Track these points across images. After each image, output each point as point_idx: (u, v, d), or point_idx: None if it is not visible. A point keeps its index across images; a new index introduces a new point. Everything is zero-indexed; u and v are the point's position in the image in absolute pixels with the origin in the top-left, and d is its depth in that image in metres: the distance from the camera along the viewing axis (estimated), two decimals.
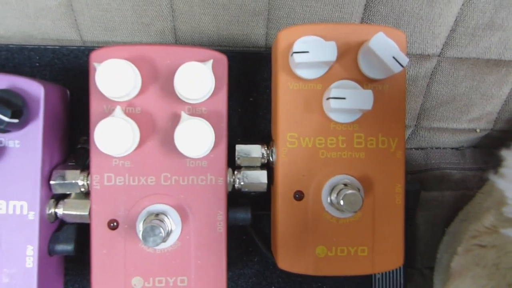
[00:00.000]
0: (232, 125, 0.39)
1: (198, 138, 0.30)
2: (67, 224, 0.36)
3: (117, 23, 0.39)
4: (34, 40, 0.40)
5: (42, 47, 0.38)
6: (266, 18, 0.40)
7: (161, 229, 0.30)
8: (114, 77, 0.30)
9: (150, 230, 0.30)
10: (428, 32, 0.43)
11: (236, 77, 0.40)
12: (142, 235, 0.30)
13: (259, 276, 0.40)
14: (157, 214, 0.32)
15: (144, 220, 0.32)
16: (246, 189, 0.35)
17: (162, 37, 0.41)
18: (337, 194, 0.33)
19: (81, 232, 0.36)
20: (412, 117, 0.50)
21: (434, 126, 0.51)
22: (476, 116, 0.50)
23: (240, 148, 0.35)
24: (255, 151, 0.35)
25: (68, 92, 0.38)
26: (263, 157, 0.36)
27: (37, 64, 0.38)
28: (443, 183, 0.51)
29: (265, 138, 0.37)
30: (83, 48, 0.38)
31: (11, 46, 0.38)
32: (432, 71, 0.47)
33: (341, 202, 0.32)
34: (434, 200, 0.49)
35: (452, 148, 0.54)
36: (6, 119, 0.30)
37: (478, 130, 0.52)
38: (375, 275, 0.41)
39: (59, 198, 0.35)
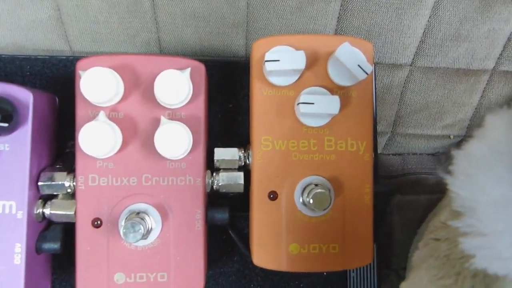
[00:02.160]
0: (212, 131, 0.41)
1: (176, 140, 0.33)
2: (54, 223, 0.37)
3: (104, 34, 0.42)
4: (26, 50, 0.43)
5: (33, 57, 0.41)
6: (245, 30, 0.43)
7: (141, 226, 0.32)
8: (97, 84, 0.32)
9: (131, 227, 0.32)
10: (398, 43, 0.46)
11: (217, 86, 0.42)
12: (123, 231, 0.32)
13: (238, 275, 0.42)
14: (138, 213, 0.34)
15: (126, 218, 0.34)
16: (224, 190, 0.37)
17: (148, 47, 0.43)
18: (308, 194, 0.35)
19: (68, 232, 0.37)
20: (388, 124, 0.52)
21: (410, 132, 0.53)
22: (449, 123, 0.52)
23: (218, 151, 0.37)
24: (233, 154, 0.37)
25: (56, 99, 0.40)
26: (240, 159, 0.38)
27: (28, 73, 0.41)
28: (419, 187, 0.53)
29: (244, 142, 0.39)
30: (72, 58, 0.41)
31: (3, 56, 0.41)
32: (405, 80, 0.49)
33: (310, 201, 0.34)
34: (410, 203, 0.51)
35: (428, 154, 0.56)
36: None
37: (451, 137, 0.54)
38: (350, 274, 0.43)
39: (46, 199, 0.37)
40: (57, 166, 0.38)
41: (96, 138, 0.32)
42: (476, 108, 0.51)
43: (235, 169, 0.38)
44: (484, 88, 0.50)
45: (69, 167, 0.37)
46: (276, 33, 0.43)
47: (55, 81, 0.41)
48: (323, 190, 0.34)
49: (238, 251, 0.42)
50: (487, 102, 0.51)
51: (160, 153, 0.33)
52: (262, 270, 0.42)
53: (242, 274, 0.42)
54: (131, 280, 0.35)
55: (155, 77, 0.34)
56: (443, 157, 0.56)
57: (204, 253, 0.36)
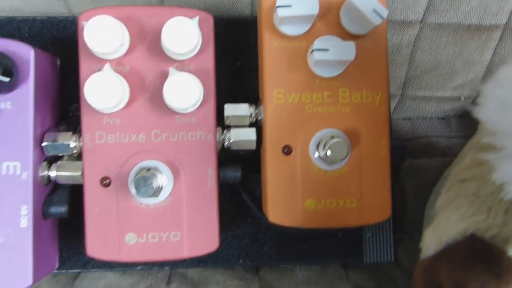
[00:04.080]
0: (220, 90, 0.40)
1: (186, 91, 0.31)
2: (60, 187, 0.36)
3: None
4: (23, 13, 0.41)
5: (31, 18, 0.39)
6: None
7: (153, 180, 0.31)
8: (102, 33, 0.30)
9: (142, 180, 0.31)
10: None
11: (223, 44, 0.41)
12: (134, 185, 0.31)
13: (251, 237, 0.41)
14: (148, 169, 0.33)
15: (136, 175, 0.33)
16: (236, 147, 0.36)
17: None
18: (324, 146, 0.34)
19: (75, 195, 0.36)
20: (397, 86, 0.51)
21: (420, 94, 0.52)
22: (460, 84, 0.51)
23: (228, 107, 0.36)
24: (243, 109, 0.36)
25: (58, 60, 0.38)
26: (251, 116, 0.36)
27: (27, 35, 0.39)
28: (430, 151, 0.52)
29: (253, 101, 0.38)
30: (72, 17, 0.39)
31: (0, 18, 0.39)
32: (415, 39, 0.48)
33: (328, 152, 0.33)
34: (422, 167, 0.50)
35: (438, 118, 0.55)
36: None
37: (462, 98, 0.53)
38: (365, 234, 0.42)
39: (51, 162, 0.35)
40: (61, 127, 0.36)
41: (102, 90, 0.31)
42: (487, 67, 0.50)
43: (246, 126, 0.37)
44: (496, 45, 0.48)
45: (74, 129, 0.36)
46: None
47: (54, 42, 0.39)
48: (340, 139, 0.33)
49: (251, 213, 0.41)
50: (499, 60, 0.49)
51: (170, 105, 0.32)
52: (276, 233, 0.41)
53: (256, 237, 0.41)
54: (143, 240, 0.34)
55: (160, 29, 0.33)
56: (453, 120, 0.55)
57: (218, 211, 0.35)
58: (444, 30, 0.47)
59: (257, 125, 0.37)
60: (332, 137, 0.34)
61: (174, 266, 0.41)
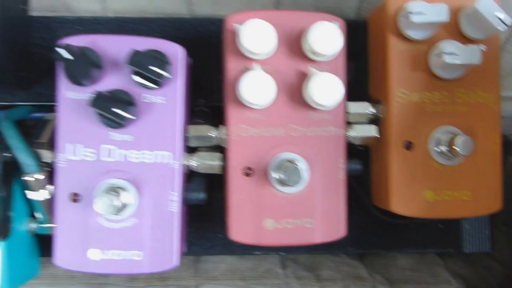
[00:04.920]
0: None
1: (332, 90, 0.34)
2: (196, 176, 0.39)
3: None
4: (149, 15, 0.44)
5: (160, 19, 0.42)
6: None
7: (301, 170, 0.34)
8: (258, 35, 0.33)
9: (293, 171, 0.34)
10: None
11: None
12: (284, 174, 0.34)
13: (360, 227, 0.44)
14: (289, 161, 0.36)
15: (277, 166, 0.36)
16: (358, 142, 0.39)
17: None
18: (449, 141, 0.37)
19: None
20: None
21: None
22: None
23: (350, 104, 0.39)
24: (365, 107, 0.39)
25: (190, 59, 0.41)
26: (370, 113, 0.39)
27: (158, 34, 0.42)
28: None
29: (365, 99, 0.41)
30: (202, 18, 0.42)
31: (133, 18, 0.42)
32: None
33: (457, 148, 0.36)
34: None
35: None
36: (127, 115, 0.33)
37: None
38: (464, 225, 0.45)
39: (190, 152, 0.38)
40: (198, 120, 0.39)
41: (257, 88, 0.34)
42: None
43: (366, 122, 0.39)
44: None
45: (207, 122, 0.39)
46: None
47: (183, 42, 0.42)
48: (468, 137, 0.36)
49: (360, 203, 0.44)
50: None
51: (316, 102, 0.35)
52: (382, 222, 0.44)
53: (364, 226, 0.44)
54: (280, 225, 0.37)
55: (301, 31, 0.36)
56: None
57: (346, 201, 0.38)
58: None
59: (375, 122, 0.40)
60: (455, 134, 0.37)
61: (287, 252, 0.44)
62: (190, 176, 0.39)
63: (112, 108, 0.33)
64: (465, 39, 0.38)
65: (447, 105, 0.38)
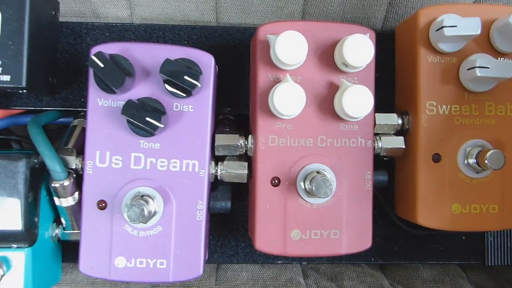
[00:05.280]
0: None
1: (363, 102, 0.34)
2: (222, 184, 0.39)
3: (255, 5, 0.43)
4: (175, 22, 0.44)
5: (190, 26, 0.42)
6: (386, 3, 0.44)
7: (331, 182, 0.34)
8: (291, 46, 0.33)
9: (323, 182, 0.34)
10: None
11: None
12: (314, 186, 0.34)
13: (383, 237, 0.44)
14: (318, 172, 0.36)
15: (306, 177, 0.36)
16: (385, 154, 0.39)
17: (291, 19, 0.44)
18: (478, 155, 0.36)
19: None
20: None
21: None
22: None
23: (379, 116, 0.39)
24: (393, 119, 0.39)
25: (216, 66, 0.41)
26: (398, 124, 0.39)
27: (186, 42, 0.42)
28: None
29: (388, 110, 0.41)
30: (229, 26, 0.42)
31: (162, 25, 0.42)
32: None
33: (487, 161, 0.35)
34: None
35: None
36: (158, 124, 0.33)
37: None
38: (487, 238, 0.44)
39: (217, 161, 0.38)
40: (225, 129, 0.39)
41: (289, 99, 0.34)
42: None
43: (393, 134, 0.39)
44: None
45: (233, 131, 0.39)
46: (418, 7, 0.44)
47: (211, 49, 0.42)
48: (498, 150, 0.35)
49: (384, 215, 0.44)
50: None
51: (346, 113, 0.34)
52: (405, 233, 0.44)
53: (387, 237, 0.44)
54: (306, 236, 0.37)
55: (330, 42, 0.36)
56: None
57: (372, 212, 0.37)
58: None
59: (403, 133, 0.40)
60: (484, 147, 0.37)
61: (309, 261, 0.44)
62: (215, 184, 0.39)
63: (144, 117, 0.33)
64: (496, 52, 0.38)
65: (476, 118, 0.38)
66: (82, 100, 0.41)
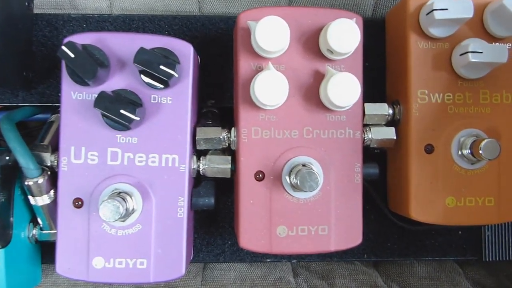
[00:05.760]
0: None
1: (349, 90, 0.32)
2: (205, 180, 0.37)
3: None
4: (154, 12, 0.42)
5: (171, 16, 0.41)
6: None
7: (317, 175, 0.32)
8: (273, 32, 0.32)
9: (308, 176, 0.32)
10: None
11: None
12: (299, 180, 0.32)
13: (376, 233, 0.42)
14: (303, 165, 0.34)
15: (291, 170, 0.34)
16: (375, 145, 0.37)
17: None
18: (473, 145, 0.35)
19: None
20: None
21: None
22: None
23: (368, 106, 0.37)
24: (383, 109, 0.37)
25: (198, 57, 0.39)
26: (388, 115, 0.37)
27: (166, 32, 0.41)
28: None
29: (382, 100, 0.39)
30: (212, 15, 0.41)
31: (141, 15, 0.40)
32: None
33: (481, 151, 0.34)
34: None
35: None
36: (133, 116, 0.31)
37: None
38: (485, 233, 0.43)
39: (199, 155, 0.37)
40: (207, 122, 0.37)
41: (271, 87, 0.32)
42: None
43: (383, 125, 0.38)
44: None
45: (216, 124, 0.37)
46: None
47: (193, 40, 0.41)
48: (493, 139, 0.34)
49: (376, 210, 0.42)
50: None
51: (333, 103, 0.33)
52: (398, 228, 0.42)
53: (379, 233, 0.42)
54: (293, 233, 0.35)
55: (316, 29, 0.34)
56: None
57: (362, 207, 0.36)
58: None
59: (394, 124, 0.38)
60: (478, 136, 0.35)
61: (299, 259, 0.42)
62: (198, 180, 0.37)
63: (119, 109, 0.31)
64: (490, 37, 0.36)
65: (471, 106, 0.36)
66: (60, 95, 0.40)
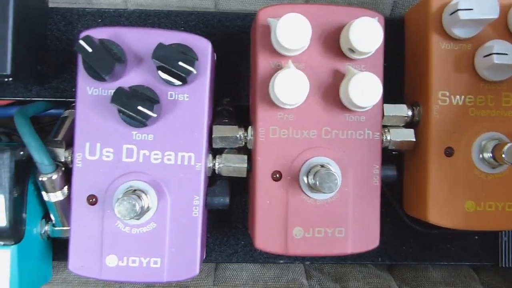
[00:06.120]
0: None
1: (370, 90, 0.32)
2: (220, 179, 0.37)
3: None
4: (170, 8, 0.42)
5: (187, 12, 0.40)
6: None
7: (336, 176, 0.31)
8: (294, 30, 0.31)
9: (327, 176, 0.31)
10: None
11: None
12: (318, 181, 0.31)
13: (391, 236, 0.41)
14: (321, 165, 0.33)
15: (309, 171, 0.33)
16: (394, 147, 0.36)
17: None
18: (494, 148, 0.34)
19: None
20: None
21: None
22: None
23: (387, 107, 0.36)
24: (402, 110, 0.37)
25: (215, 54, 0.39)
26: (408, 116, 0.37)
27: (182, 28, 0.40)
28: None
29: (398, 101, 0.38)
30: (228, 12, 0.40)
31: (157, 11, 0.40)
32: None
33: (504, 155, 0.33)
34: None
35: None
36: (150, 113, 0.31)
37: None
38: (502, 238, 0.42)
39: (214, 154, 0.36)
40: (223, 121, 0.37)
41: (292, 86, 0.31)
42: None
43: (402, 126, 0.37)
44: None
45: (232, 122, 0.37)
46: None
47: (210, 36, 0.40)
48: None
49: (392, 212, 0.41)
50: None
51: (353, 103, 0.32)
52: (414, 232, 0.41)
53: (395, 236, 0.42)
54: (309, 235, 0.34)
55: (337, 27, 0.34)
56: None
57: (379, 209, 0.35)
58: None
59: (413, 126, 0.37)
60: (500, 140, 0.34)
61: (312, 261, 0.42)
62: (213, 179, 0.37)
63: (136, 106, 0.31)
64: None
65: (492, 109, 0.36)
66: (73, 90, 0.39)
